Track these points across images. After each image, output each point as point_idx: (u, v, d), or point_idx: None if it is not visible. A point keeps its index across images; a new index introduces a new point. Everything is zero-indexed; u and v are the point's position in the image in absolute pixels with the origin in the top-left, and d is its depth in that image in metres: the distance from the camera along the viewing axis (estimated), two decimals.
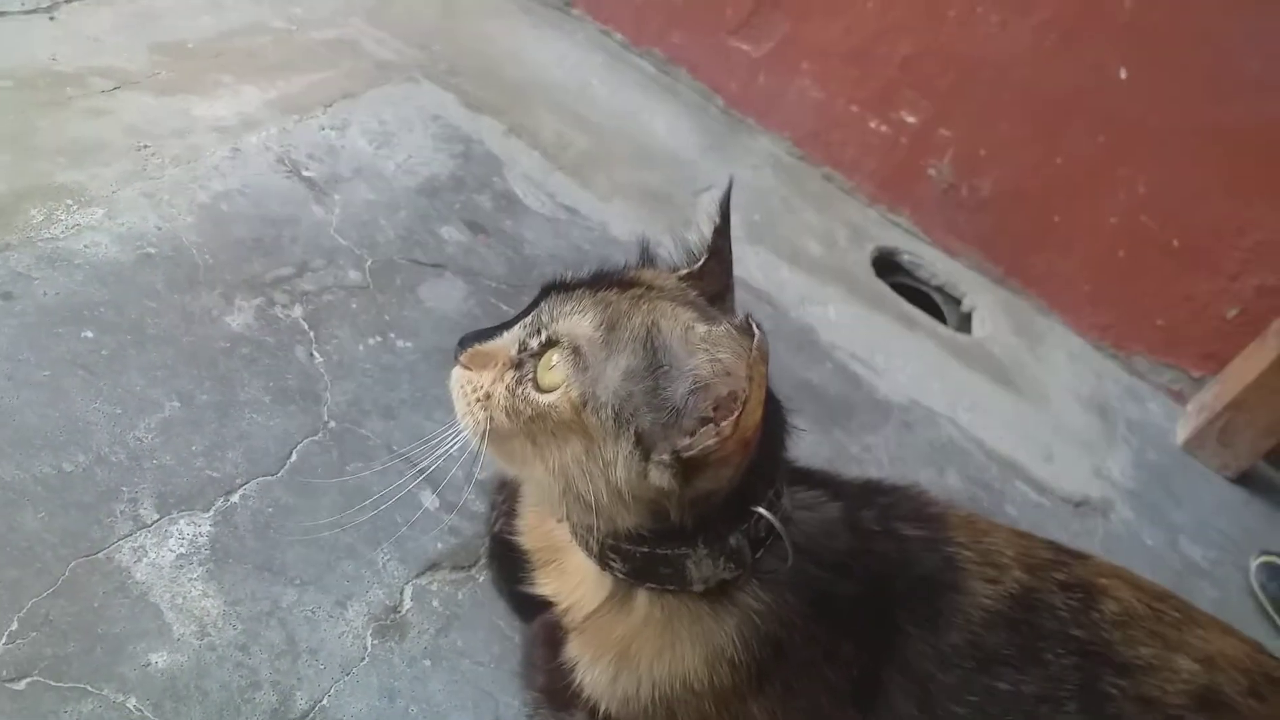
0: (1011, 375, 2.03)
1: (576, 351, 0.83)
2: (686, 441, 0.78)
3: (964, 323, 2.21)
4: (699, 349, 0.78)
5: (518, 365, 0.87)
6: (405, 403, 1.30)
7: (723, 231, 0.98)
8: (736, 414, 0.75)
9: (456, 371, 0.92)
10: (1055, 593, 1.00)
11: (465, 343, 0.92)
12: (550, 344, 0.86)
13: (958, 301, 2.26)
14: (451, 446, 0.89)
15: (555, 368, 0.84)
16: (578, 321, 0.85)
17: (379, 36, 2.01)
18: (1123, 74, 2.06)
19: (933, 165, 2.29)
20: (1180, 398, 2.22)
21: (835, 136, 2.36)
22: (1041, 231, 2.26)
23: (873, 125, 2.32)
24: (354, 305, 1.39)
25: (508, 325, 0.92)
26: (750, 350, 0.72)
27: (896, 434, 1.67)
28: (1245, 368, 2.02)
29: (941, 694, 0.95)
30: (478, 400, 0.89)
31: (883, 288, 2.10)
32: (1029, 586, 0.99)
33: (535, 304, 0.91)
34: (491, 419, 0.87)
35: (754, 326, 0.72)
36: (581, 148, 2.00)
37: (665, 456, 0.79)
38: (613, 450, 0.81)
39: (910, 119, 2.29)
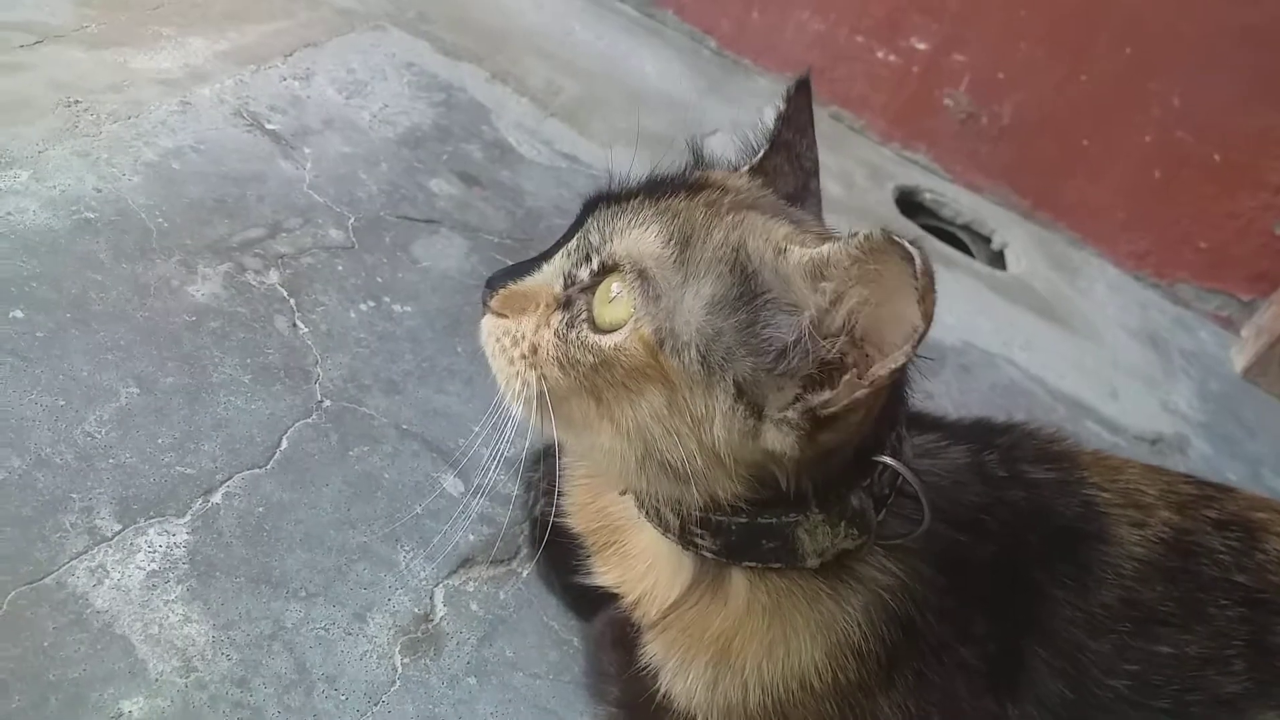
0: (1057, 311, 1.87)
1: (643, 275, 0.64)
2: (826, 396, 0.60)
3: (995, 261, 2.04)
4: (814, 277, 0.59)
5: (566, 304, 0.68)
6: (410, 374, 1.10)
7: (791, 121, 0.79)
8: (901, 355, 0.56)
9: (487, 321, 0.72)
10: (1210, 533, 0.84)
11: (495, 283, 0.72)
12: (606, 270, 0.67)
13: (987, 240, 2.09)
14: (508, 428, 0.70)
15: (617, 299, 0.66)
16: (639, 238, 0.66)
17: None
18: None
19: (948, 94, 2.12)
20: (1230, 324, 2.07)
21: (840, 71, 2.18)
22: (1070, 158, 2.10)
23: (880, 55, 2.14)
24: (339, 267, 1.19)
25: (546, 256, 0.72)
26: (916, 276, 0.53)
27: (956, 378, 1.50)
28: None
29: (1094, 666, 0.79)
30: (522, 356, 0.69)
31: (912, 227, 1.93)
32: (1181, 528, 0.83)
33: (578, 224, 0.72)
34: (545, 377, 0.68)
35: (906, 245, 0.53)
36: (573, 93, 1.81)
37: (790, 414, 0.60)
38: (704, 403, 0.63)
39: (921, 45, 2.11)
